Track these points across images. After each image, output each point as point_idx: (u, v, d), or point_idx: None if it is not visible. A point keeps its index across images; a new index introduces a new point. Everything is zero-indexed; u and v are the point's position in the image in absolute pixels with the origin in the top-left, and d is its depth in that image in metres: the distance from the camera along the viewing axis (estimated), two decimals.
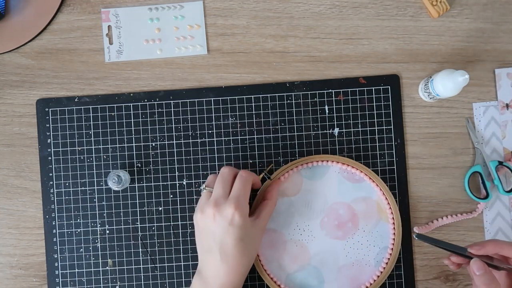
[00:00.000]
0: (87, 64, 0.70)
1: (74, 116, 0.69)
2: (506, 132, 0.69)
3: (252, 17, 0.71)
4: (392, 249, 0.67)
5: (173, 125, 0.69)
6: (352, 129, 0.69)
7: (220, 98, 0.70)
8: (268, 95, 0.70)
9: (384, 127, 0.69)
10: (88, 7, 0.71)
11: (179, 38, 0.70)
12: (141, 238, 0.69)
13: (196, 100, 0.70)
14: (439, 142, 0.70)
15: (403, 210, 0.69)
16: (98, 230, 0.69)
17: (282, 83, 0.70)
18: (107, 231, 0.69)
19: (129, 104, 0.70)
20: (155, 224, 0.69)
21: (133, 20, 0.71)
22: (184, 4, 0.71)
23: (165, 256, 0.68)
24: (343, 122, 0.69)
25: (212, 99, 0.70)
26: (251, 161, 0.69)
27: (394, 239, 0.67)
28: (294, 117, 0.69)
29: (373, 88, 0.70)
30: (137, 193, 0.69)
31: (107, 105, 0.70)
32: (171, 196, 0.69)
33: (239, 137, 0.69)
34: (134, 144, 0.69)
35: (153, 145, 0.69)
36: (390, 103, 0.70)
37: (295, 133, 0.69)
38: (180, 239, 0.68)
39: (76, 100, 0.70)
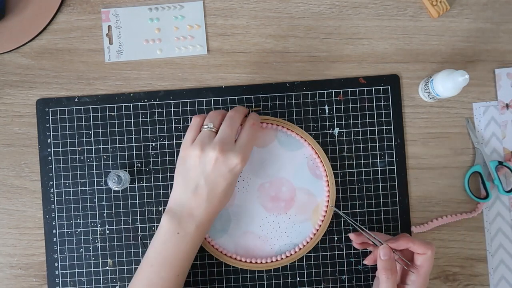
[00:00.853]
0: (87, 64, 0.70)
1: (74, 116, 0.69)
2: (506, 132, 0.69)
3: (252, 17, 0.71)
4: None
5: (173, 125, 0.69)
6: (352, 129, 0.69)
7: (220, 98, 0.70)
8: (268, 95, 0.70)
9: (384, 127, 0.69)
10: (88, 7, 0.71)
11: (179, 38, 0.70)
12: (141, 238, 0.69)
13: (196, 100, 0.70)
14: (439, 142, 0.70)
15: (403, 210, 0.69)
16: (98, 230, 0.69)
17: (282, 83, 0.70)
18: (107, 231, 0.69)
19: (129, 104, 0.70)
20: (155, 224, 0.69)
21: (133, 20, 0.71)
22: (184, 4, 0.71)
23: None
24: (343, 122, 0.69)
25: (212, 99, 0.70)
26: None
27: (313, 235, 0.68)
28: (294, 117, 0.69)
29: (373, 88, 0.70)
30: (137, 193, 0.69)
31: (107, 105, 0.70)
32: None
33: None
34: (134, 144, 0.69)
35: (153, 145, 0.69)
36: (390, 103, 0.70)
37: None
38: None
39: (76, 100, 0.70)
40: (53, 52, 0.71)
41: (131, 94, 0.70)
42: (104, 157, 0.69)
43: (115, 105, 0.70)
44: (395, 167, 0.69)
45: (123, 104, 0.70)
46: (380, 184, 0.69)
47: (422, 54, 0.70)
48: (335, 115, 0.69)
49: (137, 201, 0.69)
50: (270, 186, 0.69)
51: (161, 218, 0.61)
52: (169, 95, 0.70)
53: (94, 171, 0.69)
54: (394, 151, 0.69)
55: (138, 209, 0.69)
